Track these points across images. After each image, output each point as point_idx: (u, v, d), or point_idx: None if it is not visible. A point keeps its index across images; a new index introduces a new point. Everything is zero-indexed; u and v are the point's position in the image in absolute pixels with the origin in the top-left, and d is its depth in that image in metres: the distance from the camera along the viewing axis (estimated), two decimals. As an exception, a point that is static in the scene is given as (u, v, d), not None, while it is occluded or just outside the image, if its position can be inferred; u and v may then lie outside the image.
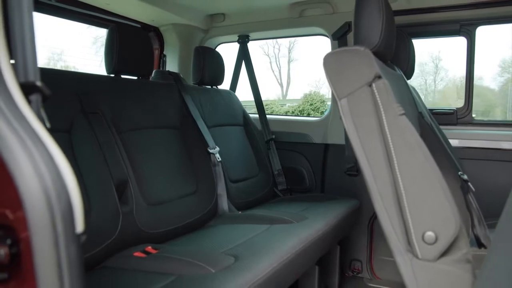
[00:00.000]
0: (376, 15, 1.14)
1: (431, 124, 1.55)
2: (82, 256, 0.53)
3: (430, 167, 0.93)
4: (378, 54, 1.19)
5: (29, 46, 0.61)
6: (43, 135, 0.52)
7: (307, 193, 2.47)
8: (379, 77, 0.98)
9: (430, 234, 0.93)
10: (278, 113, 8.43)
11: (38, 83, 0.61)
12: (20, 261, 0.53)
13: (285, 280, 1.32)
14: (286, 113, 10.34)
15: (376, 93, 0.96)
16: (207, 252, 1.37)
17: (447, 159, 1.47)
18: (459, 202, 1.42)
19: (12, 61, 0.61)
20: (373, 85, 0.97)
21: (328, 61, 1.04)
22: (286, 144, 2.56)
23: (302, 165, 2.52)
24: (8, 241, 0.52)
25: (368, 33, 1.14)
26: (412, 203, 0.94)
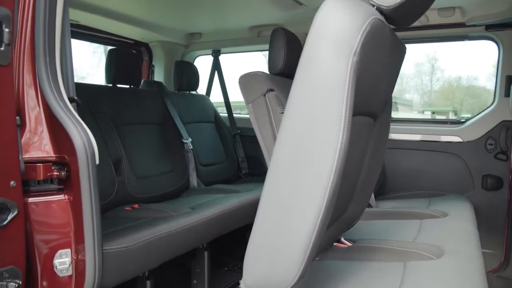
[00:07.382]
0: (280, 49, 1.78)
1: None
2: (97, 176, 1.16)
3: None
4: (284, 74, 1.83)
5: (69, 70, 1.25)
6: (81, 121, 1.16)
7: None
8: (272, 90, 1.63)
9: None
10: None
11: (75, 97, 1.25)
12: (70, 179, 1.17)
13: (226, 224, 1.96)
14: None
15: (268, 101, 1.60)
16: (174, 206, 2.01)
17: None
18: None
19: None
20: (267, 95, 1.61)
21: (241, 80, 1.69)
22: (249, 137, 3.18)
23: (262, 154, 3.15)
24: (65, 169, 1.16)
25: (274, 61, 1.78)
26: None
